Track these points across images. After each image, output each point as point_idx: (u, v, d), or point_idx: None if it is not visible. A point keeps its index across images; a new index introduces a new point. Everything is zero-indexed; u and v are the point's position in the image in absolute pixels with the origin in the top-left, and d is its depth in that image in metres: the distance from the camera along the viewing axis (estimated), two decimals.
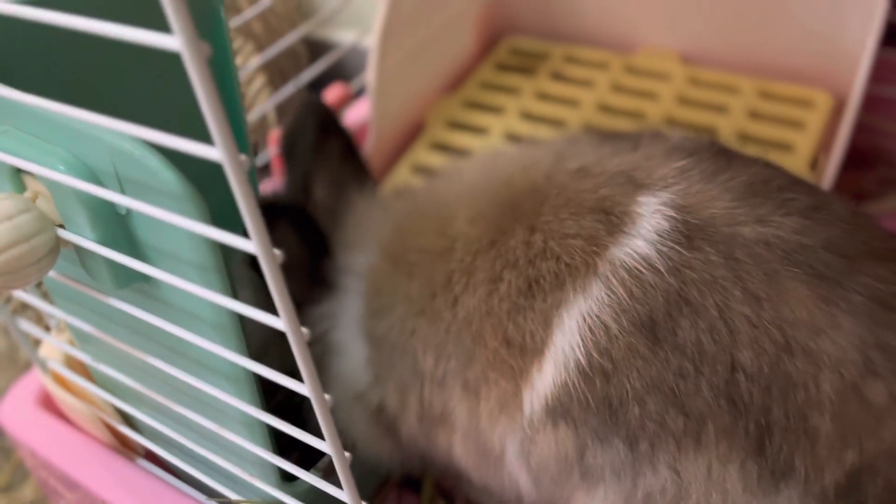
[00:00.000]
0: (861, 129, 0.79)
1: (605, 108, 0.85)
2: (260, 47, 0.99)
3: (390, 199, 0.58)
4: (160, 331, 0.45)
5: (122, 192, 0.38)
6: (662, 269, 0.40)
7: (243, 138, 0.54)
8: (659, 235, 0.41)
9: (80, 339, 0.54)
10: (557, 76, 0.90)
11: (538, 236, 0.44)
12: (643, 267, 0.40)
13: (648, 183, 0.43)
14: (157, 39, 0.25)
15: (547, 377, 0.42)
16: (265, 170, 0.82)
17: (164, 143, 0.28)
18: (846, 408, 0.38)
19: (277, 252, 0.30)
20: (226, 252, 0.37)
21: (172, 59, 0.29)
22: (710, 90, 0.84)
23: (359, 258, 0.54)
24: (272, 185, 0.77)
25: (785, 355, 0.38)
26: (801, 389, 0.38)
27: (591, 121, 0.83)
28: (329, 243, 0.57)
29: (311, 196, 0.61)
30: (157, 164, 0.35)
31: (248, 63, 0.90)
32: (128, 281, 0.42)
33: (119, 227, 0.40)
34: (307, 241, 0.56)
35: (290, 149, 0.62)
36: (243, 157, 0.28)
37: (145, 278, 0.42)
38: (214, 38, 0.59)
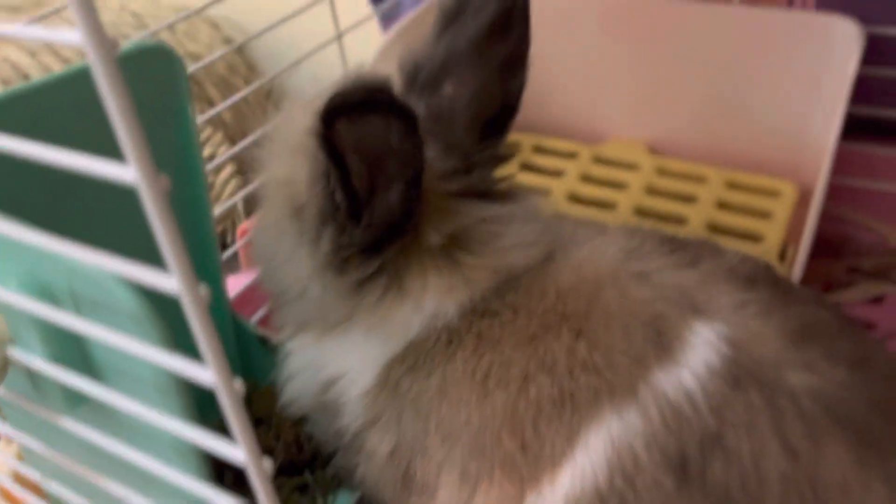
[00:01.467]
0: (828, 218, 0.80)
1: (575, 198, 0.85)
2: (229, 136, 0.98)
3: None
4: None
5: (78, 310, 0.36)
6: (704, 408, 0.38)
7: (211, 247, 0.53)
8: (707, 370, 0.39)
9: (31, 452, 0.51)
10: (527, 166, 0.91)
11: (583, 344, 0.42)
12: (685, 401, 0.39)
13: (705, 309, 0.42)
14: (109, 170, 0.23)
15: (559, 491, 0.40)
16: (232, 263, 0.80)
17: (116, 271, 0.26)
18: None
19: (238, 384, 0.29)
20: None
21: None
22: (679, 180, 0.85)
23: (451, 296, 0.47)
24: (239, 280, 0.75)
25: None
26: None
27: (562, 210, 0.83)
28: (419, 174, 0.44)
29: (437, 92, 0.49)
30: (114, 283, 0.34)
31: (218, 153, 0.90)
32: (80, 401, 0.39)
33: (73, 345, 0.38)
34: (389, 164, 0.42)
35: (451, 15, 0.49)
36: (203, 288, 0.26)
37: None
38: (181, 133, 0.59)
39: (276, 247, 0.51)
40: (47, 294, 0.37)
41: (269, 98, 1.12)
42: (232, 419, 0.29)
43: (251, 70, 1.09)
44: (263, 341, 0.68)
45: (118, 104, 0.23)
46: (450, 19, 0.50)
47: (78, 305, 0.36)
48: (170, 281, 0.26)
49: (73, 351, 0.38)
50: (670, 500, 0.38)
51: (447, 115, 0.50)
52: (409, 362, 0.48)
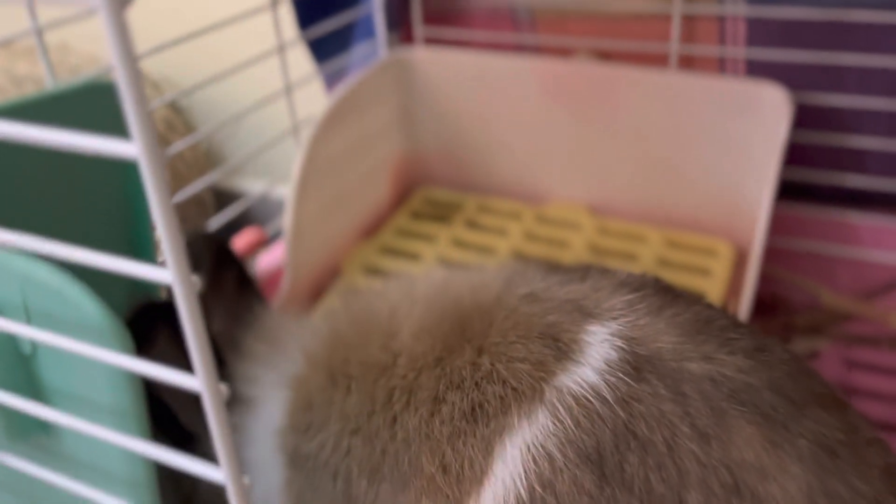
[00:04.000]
0: (763, 278, 0.83)
1: (520, 256, 0.86)
2: None
3: (322, 315, 0.55)
4: (52, 492, 0.39)
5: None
6: (610, 400, 0.38)
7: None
8: (607, 365, 0.40)
9: None
10: (472, 225, 0.91)
11: (486, 358, 0.43)
12: (591, 396, 0.39)
13: (597, 313, 0.43)
14: (114, 147, 0.22)
15: None
16: None
17: (113, 268, 0.25)
18: None
19: (223, 387, 0.27)
20: None
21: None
22: (620, 239, 0.87)
23: (276, 369, 0.51)
24: None
25: (734, 498, 0.36)
26: None
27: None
28: (222, 355, 0.53)
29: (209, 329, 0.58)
30: (77, 294, 0.32)
31: None
32: (26, 433, 0.36)
33: (21, 369, 0.35)
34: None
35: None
36: (195, 277, 0.25)
37: (44, 429, 0.37)
38: (129, 174, 0.57)
39: None
40: None
41: (208, 158, 1.10)
42: (215, 427, 0.27)
43: (190, 130, 1.08)
44: None
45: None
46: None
47: (30, 323, 0.34)
48: (164, 273, 0.25)
49: (21, 377, 0.35)
50: (594, 501, 0.37)
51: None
52: (299, 422, 0.48)
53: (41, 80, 0.97)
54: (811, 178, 0.83)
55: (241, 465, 0.28)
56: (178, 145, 0.75)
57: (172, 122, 1.05)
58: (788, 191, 0.82)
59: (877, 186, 0.81)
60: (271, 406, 0.50)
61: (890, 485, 0.39)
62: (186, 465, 0.29)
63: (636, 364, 0.40)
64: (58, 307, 0.32)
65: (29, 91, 0.94)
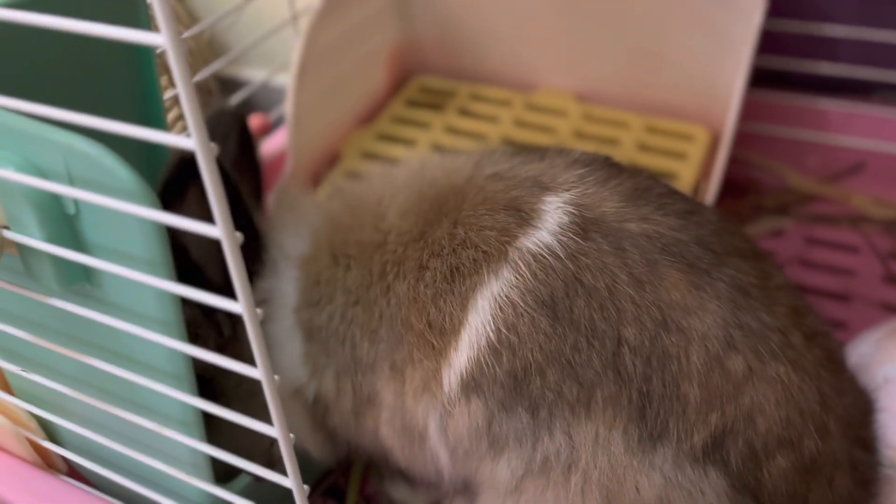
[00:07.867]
0: (735, 162, 0.89)
1: (509, 142, 0.91)
2: (173, 81, 1.00)
3: (323, 198, 0.61)
4: (96, 334, 0.47)
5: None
6: (562, 255, 0.46)
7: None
8: (560, 228, 0.47)
9: (2, 350, 0.54)
10: (464, 112, 0.96)
11: (460, 229, 0.50)
12: (546, 253, 0.46)
13: (552, 186, 0.49)
14: (147, 38, 0.28)
15: (462, 354, 0.47)
16: None
17: (143, 137, 0.31)
18: (711, 377, 0.44)
19: (238, 234, 0.33)
20: None
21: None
22: (603, 125, 0.92)
23: (290, 245, 0.57)
24: None
25: (662, 331, 0.44)
26: (674, 361, 0.44)
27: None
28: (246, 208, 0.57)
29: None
30: (113, 163, 0.38)
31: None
32: (72, 280, 0.43)
33: (66, 227, 0.41)
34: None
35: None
36: (213, 144, 0.31)
37: (88, 279, 0.44)
38: (141, 57, 0.62)
39: None
40: (44, 177, 0.40)
41: (211, 47, 1.13)
42: (232, 265, 0.34)
43: (193, 19, 1.11)
44: None
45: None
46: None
47: (73, 186, 0.40)
48: (188, 141, 0.31)
49: (67, 233, 0.41)
50: (548, 338, 0.45)
51: None
52: (310, 298, 0.55)
53: None
54: (785, 66, 0.87)
55: (253, 298, 0.35)
56: (184, 35, 0.79)
57: (177, 11, 1.08)
58: (763, 78, 0.87)
59: (847, 73, 0.85)
60: (286, 285, 0.56)
61: (794, 319, 0.47)
62: (208, 300, 0.36)
63: (584, 226, 0.47)
64: (96, 174, 0.38)
65: None
